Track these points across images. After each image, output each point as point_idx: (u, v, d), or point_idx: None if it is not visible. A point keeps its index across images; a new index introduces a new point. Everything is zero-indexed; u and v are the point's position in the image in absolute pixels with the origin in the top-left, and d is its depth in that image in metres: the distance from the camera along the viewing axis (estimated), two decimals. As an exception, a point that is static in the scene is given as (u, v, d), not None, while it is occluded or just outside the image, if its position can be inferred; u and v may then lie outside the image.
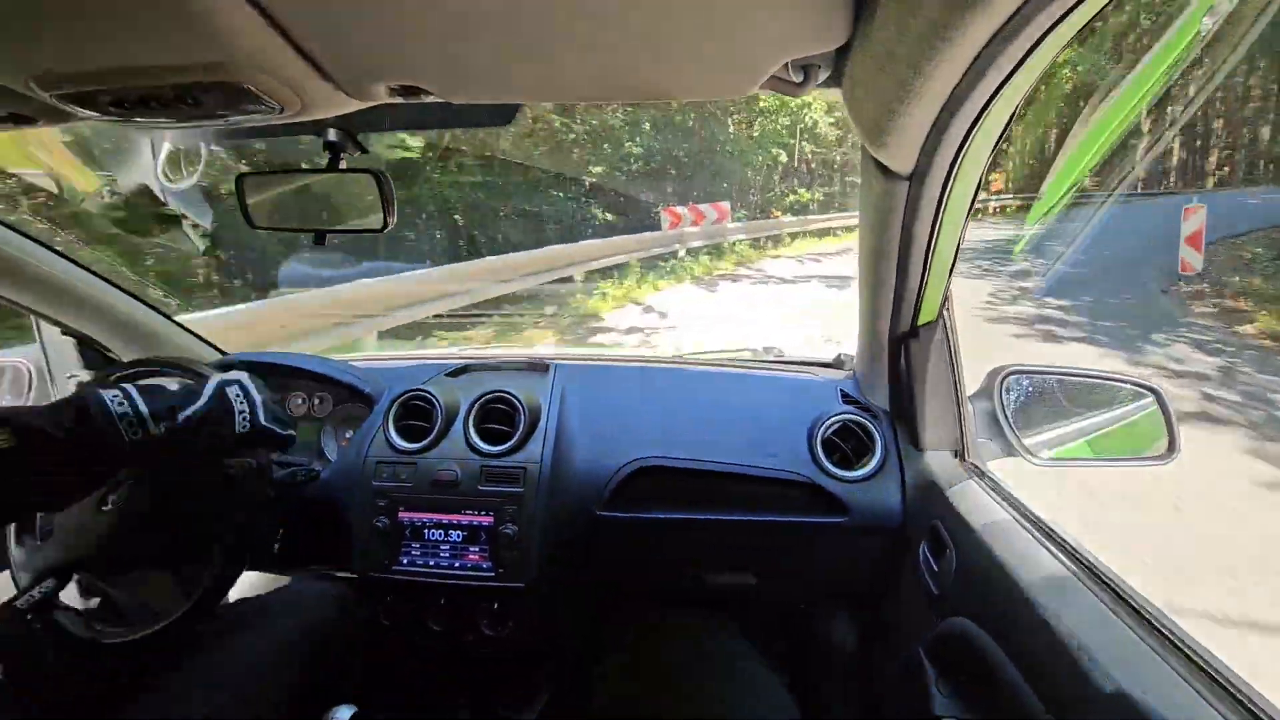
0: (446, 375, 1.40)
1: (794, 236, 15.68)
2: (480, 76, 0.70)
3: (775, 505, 1.20)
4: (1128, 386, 1.10)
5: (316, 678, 0.96)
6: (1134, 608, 0.64)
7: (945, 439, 1.11)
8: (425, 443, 1.22)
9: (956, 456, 1.09)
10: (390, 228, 0.99)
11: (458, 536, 1.18)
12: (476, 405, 1.26)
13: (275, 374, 1.40)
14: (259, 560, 1.06)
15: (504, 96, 0.79)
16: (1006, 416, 1.06)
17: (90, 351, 1.36)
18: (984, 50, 0.53)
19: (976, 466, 1.04)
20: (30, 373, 1.34)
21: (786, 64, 0.67)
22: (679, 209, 11.66)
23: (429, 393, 1.26)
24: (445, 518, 1.19)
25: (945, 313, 1.00)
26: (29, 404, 1.32)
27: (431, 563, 1.18)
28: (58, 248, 1.23)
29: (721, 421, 1.30)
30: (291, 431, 0.91)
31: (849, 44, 0.63)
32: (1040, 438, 1.10)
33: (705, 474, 1.21)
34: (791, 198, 18.62)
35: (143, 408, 0.77)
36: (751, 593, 1.33)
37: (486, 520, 1.18)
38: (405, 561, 1.18)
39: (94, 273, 1.30)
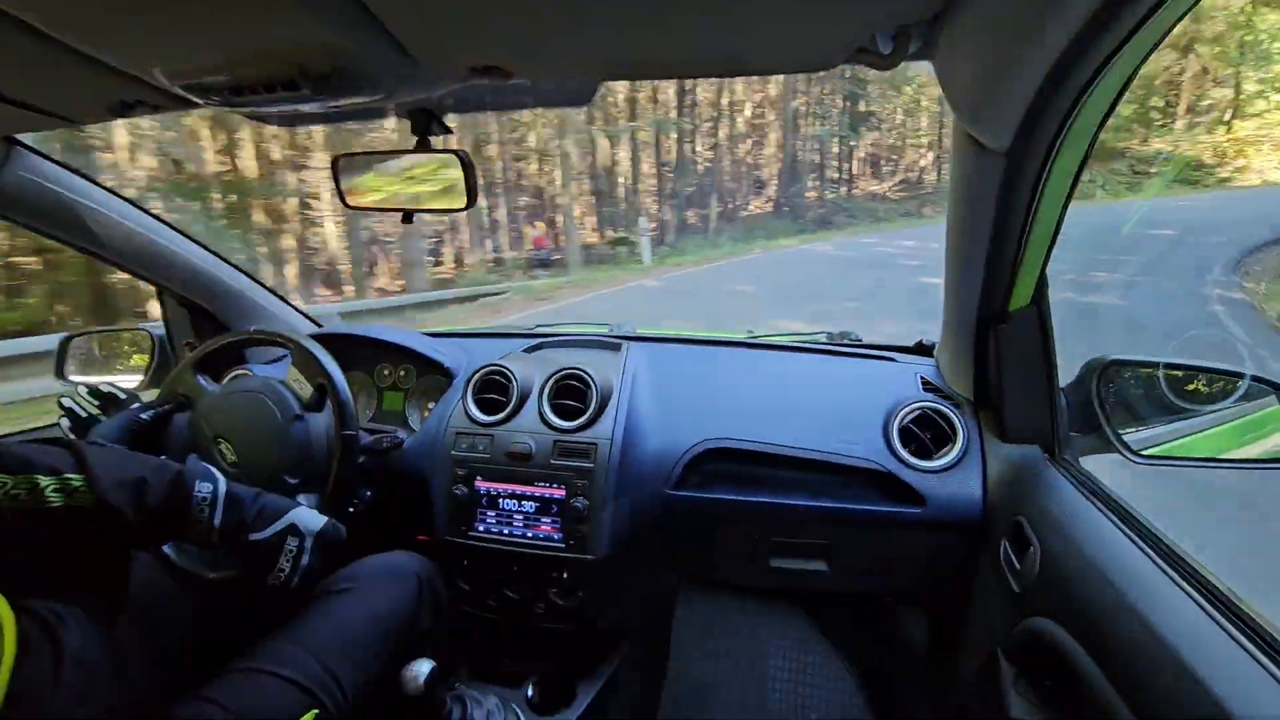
0: (523, 351, 1.45)
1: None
2: (558, 54, 0.71)
3: (848, 493, 1.17)
4: (1246, 381, 1.01)
5: (401, 640, 1.02)
6: (1248, 625, 0.58)
7: (1033, 431, 1.05)
8: (501, 416, 1.27)
9: (1045, 451, 1.03)
10: (472, 207, 1.02)
11: (530, 507, 1.22)
12: (550, 381, 1.29)
13: (365, 346, 1.48)
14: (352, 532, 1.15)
15: (585, 74, 0.79)
16: (1104, 410, 0.99)
17: (203, 320, 1.49)
18: (1093, 16, 0.49)
19: (1068, 462, 0.98)
20: (155, 339, 1.48)
21: (874, 35, 0.65)
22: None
23: (506, 368, 1.31)
24: (519, 488, 1.23)
25: (1040, 298, 0.94)
26: (154, 366, 1.45)
27: (506, 531, 1.23)
28: (177, 227, 1.35)
29: (794, 405, 1.28)
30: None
31: (944, 11, 0.60)
32: (1141, 434, 1.02)
33: (776, 458, 1.20)
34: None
35: (217, 520, 0.84)
36: (822, 582, 1.31)
37: (558, 493, 1.21)
38: (481, 528, 1.24)
39: (209, 250, 1.42)
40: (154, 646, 0.91)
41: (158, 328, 1.50)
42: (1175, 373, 1.05)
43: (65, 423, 1.17)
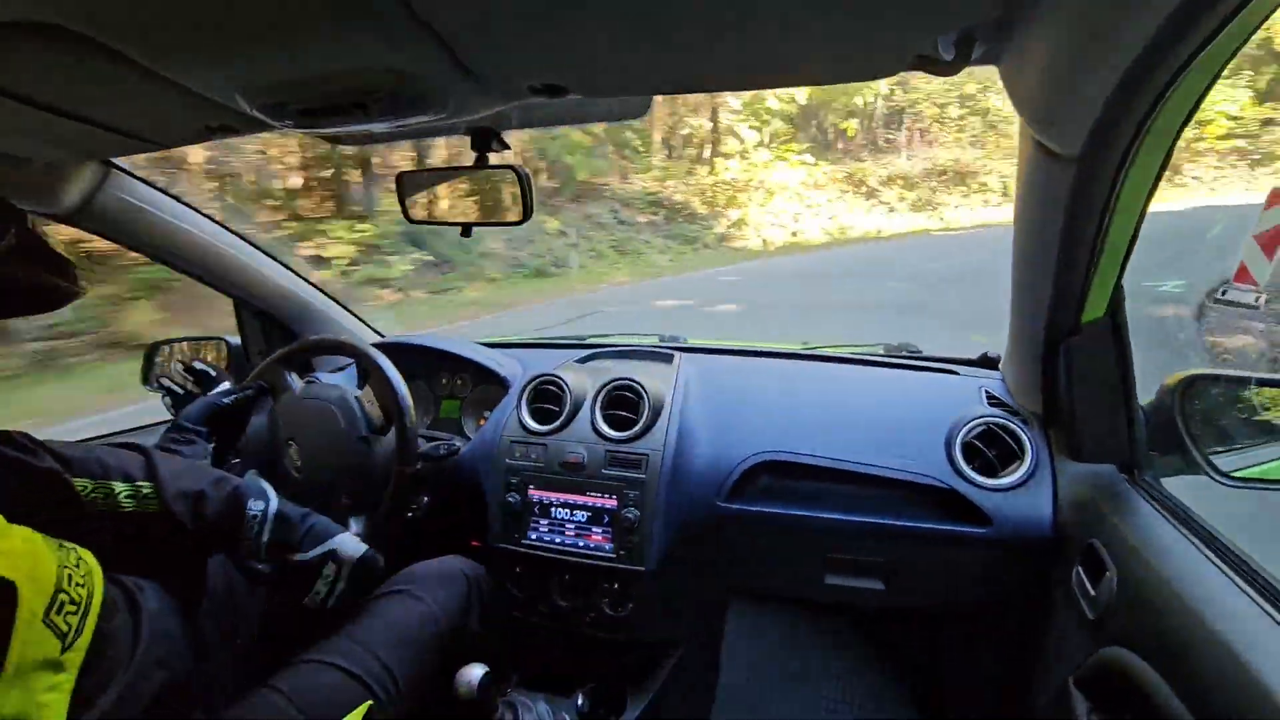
0: (576, 361, 1.46)
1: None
2: (618, 71, 0.72)
3: (908, 510, 1.14)
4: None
5: (452, 639, 1.04)
6: None
7: (1109, 450, 0.99)
8: (555, 425, 1.29)
9: (1123, 470, 0.97)
10: (529, 220, 1.05)
11: (582, 517, 1.23)
12: (603, 391, 1.30)
13: (423, 355, 1.53)
14: (407, 536, 1.18)
15: (641, 89, 0.80)
16: (1188, 428, 0.93)
17: (276, 330, 1.56)
18: (1175, 12, 0.46)
19: (1148, 483, 0.93)
20: (231, 347, 1.56)
21: (936, 40, 0.63)
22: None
23: (559, 378, 1.32)
24: (571, 498, 1.24)
25: (1115, 309, 0.90)
26: (231, 371, 1.54)
27: (558, 540, 1.24)
28: (254, 242, 1.43)
29: (851, 418, 1.25)
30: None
31: (1010, 12, 0.58)
32: (1231, 455, 0.95)
33: (832, 472, 1.17)
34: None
35: (265, 538, 0.88)
36: (878, 601, 1.27)
37: (610, 503, 1.22)
38: (534, 536, 1.25)
39: (281, 263, 1.49)
40: (230, 639, 0.97)
41: (234, 337, 1.59)
42: (1271, 388, 0.97)
43: (167, 400, 1.27)
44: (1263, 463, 0.94)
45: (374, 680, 0.89)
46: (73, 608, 0.60)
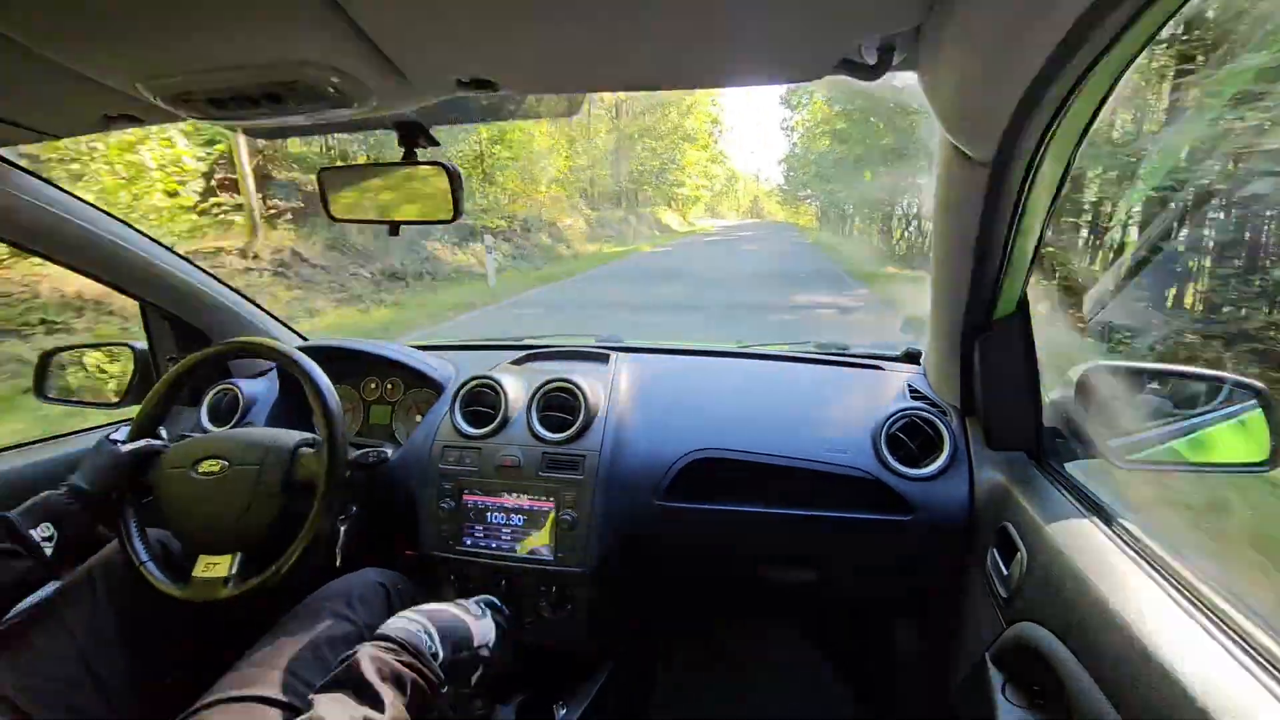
0: (511, 363, 1.44)
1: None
2: (546, 68, 0.72)
3: (838, 501, 1.17)
4: (1228, 386, 1.02)
5: None
6: (1230, 628, 0.59)
7: (1019, 438, 1.05)
8: (490, 428, 1.26)
9: (1031, 457, 1.04)
10: (459, 218, 1.02)
11: (519, 520, 1.21)
12: (539, 393, 1.29)
13: (351, 359, 1.47)
14: (329, 550, 1.12)
15: (569, 87, 0.80)
16: (1089, 415, 0.99)
17: (188, 335, 1.47)
18: (1073, 28, 0.50)
19: (1053, 467, 0.99)
20: (138, 354, 1.46)
21: (859, 45, 0.65)
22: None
23: (494, 380, 1.30)
24: (508, 502, 1.22)
25: (1023, 307, 0.95)
26: (136, 382, 1.43)
27: (494, 545, 1.22)
28: (161, 242, 1.34)
29: (783, 414, 1.28)
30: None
31: (927, 22, 0.61)
32: (1128, 440, 1.03)
33: (766, 467, 1.20)
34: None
35: None
36: (812, 590, 1.30)
37: (547, 505, 1.20)
38: (469, 543, 1.22)
39: (192, 263, 1.40)
40: (135, 678, 0.90)
41: (140, 342, 1.48)
42: (1160, 377, 1.06)
43: None
44: (1153, 445, 1.01)
45: (304, 702, 0.84)
46: None
